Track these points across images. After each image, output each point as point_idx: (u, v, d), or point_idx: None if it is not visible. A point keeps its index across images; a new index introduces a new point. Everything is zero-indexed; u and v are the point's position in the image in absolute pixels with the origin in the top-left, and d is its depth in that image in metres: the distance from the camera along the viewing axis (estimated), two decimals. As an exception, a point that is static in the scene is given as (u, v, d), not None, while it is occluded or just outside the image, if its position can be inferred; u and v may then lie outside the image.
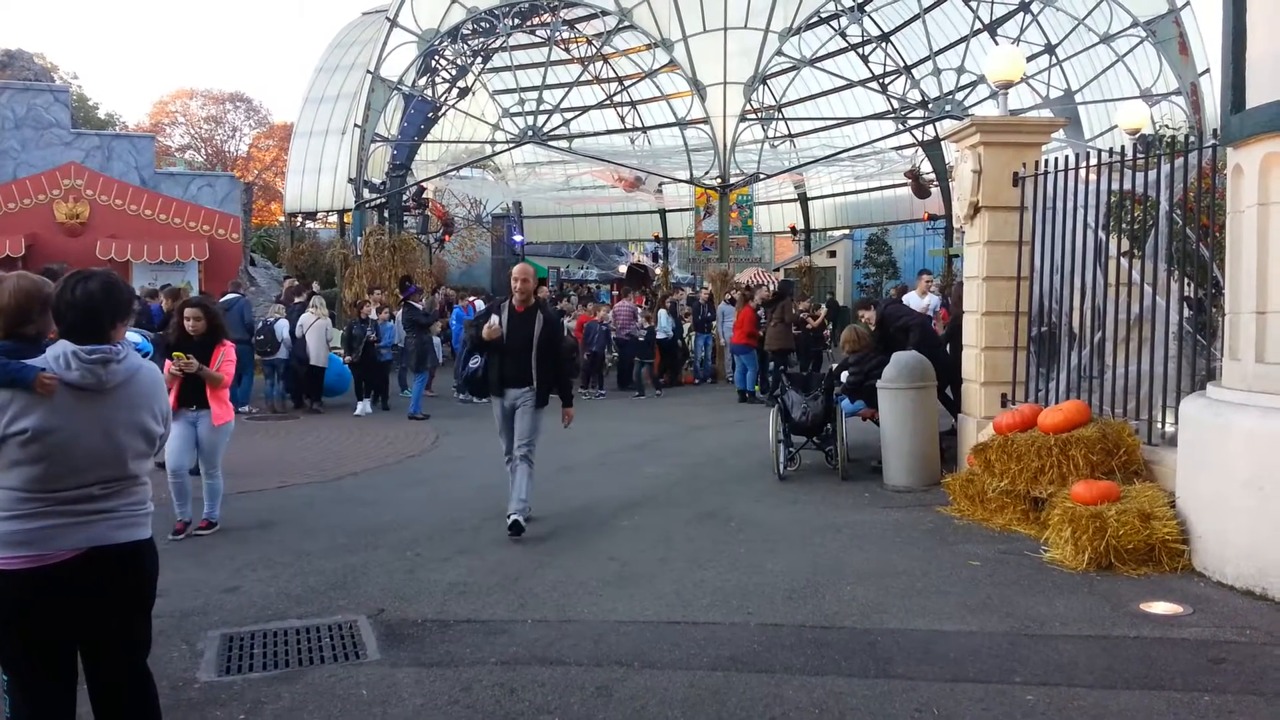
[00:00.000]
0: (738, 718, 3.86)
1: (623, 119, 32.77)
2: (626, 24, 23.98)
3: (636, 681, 4.21)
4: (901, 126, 26.20)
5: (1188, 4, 19.86)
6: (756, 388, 15.54)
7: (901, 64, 26.82)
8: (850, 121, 28.89)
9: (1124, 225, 7.50)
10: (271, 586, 5.67)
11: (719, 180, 23.93)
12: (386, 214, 25.50)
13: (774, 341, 15.08)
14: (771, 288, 19.62)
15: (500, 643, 4.71)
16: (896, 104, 25.95)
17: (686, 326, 19.34)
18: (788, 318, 15.37)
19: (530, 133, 23.30)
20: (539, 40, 27.49)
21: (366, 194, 24.39)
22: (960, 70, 21.69)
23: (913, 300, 13.81)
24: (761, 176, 26.97)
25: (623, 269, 36.09)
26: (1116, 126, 14.22)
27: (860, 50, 27.38)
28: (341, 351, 14.80)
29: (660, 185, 31.07)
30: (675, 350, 18.63)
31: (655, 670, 4.33)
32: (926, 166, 27.80)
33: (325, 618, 5.10)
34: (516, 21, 24.69)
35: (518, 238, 32.89)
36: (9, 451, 2.75)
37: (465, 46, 25.84)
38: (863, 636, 4.74)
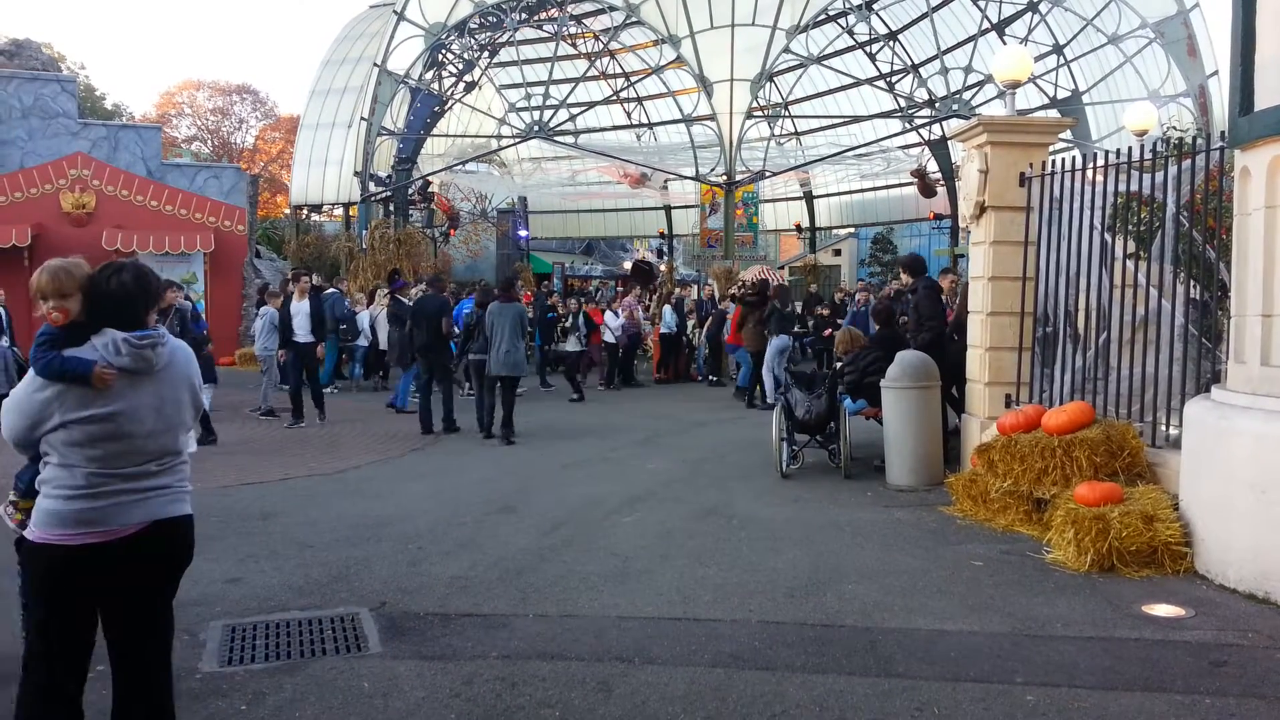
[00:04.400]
0: (738, 715, 3.86)
1: (629, 115, 32.75)
2: (634, 20, 23.97)
3: (637, 677, 4.22)
4: (908, 125, 26.17)
5: (1197, 5, 19.80)
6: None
7: (909, 63, 26.78)
8: (857, 120, 28.85)
9: (1130, 227, 7.48)
10: (274, 578, 5.68)
11: (725, 177, 23.92)
12: (392, 207, 25.53)
13: (753, 342, 14.98)
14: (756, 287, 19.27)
15: (501, 637, 4.71)
16: (903, 103, 25.91)
17: (690, 323, 19.33)
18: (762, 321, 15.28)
19: (536, 128, 23.30)
20: (546, 35, 27.48)
21: (372, 187, 24.41)
22: (968, 69, 21.65)
23: None
24: (767, 174, 26.93)
25: (627, 265, 36.09)
26: (1124, 128, 14.18)
27: (868, 49, 27.33)
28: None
29: (666, 182, 31.03)
30: (679, 346, 18.62)
31: (656, 666, 4.34)
32: (933, 166, 27.76)
33: (327, 610, 5.10)
34: (524, 16, 24.66)
35: (523, 233, 32.88)
36: (71, 434, 2.89)
37: (472, 41, 25.84)
38: (864, 635, 4.74)
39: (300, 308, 12.40)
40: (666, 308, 18.52)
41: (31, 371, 2.93)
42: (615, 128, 32.81)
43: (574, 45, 28.44)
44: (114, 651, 3.06)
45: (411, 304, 13.28)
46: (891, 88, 26.74)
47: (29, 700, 2.96)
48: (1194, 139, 6.67)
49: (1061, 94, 23.45)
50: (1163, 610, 5.05)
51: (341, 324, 15.95)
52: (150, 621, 3.09)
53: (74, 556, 2.89)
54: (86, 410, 2.89)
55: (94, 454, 2.91)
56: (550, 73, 23.95)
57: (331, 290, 16.78)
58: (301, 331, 12.25)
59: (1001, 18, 23.29)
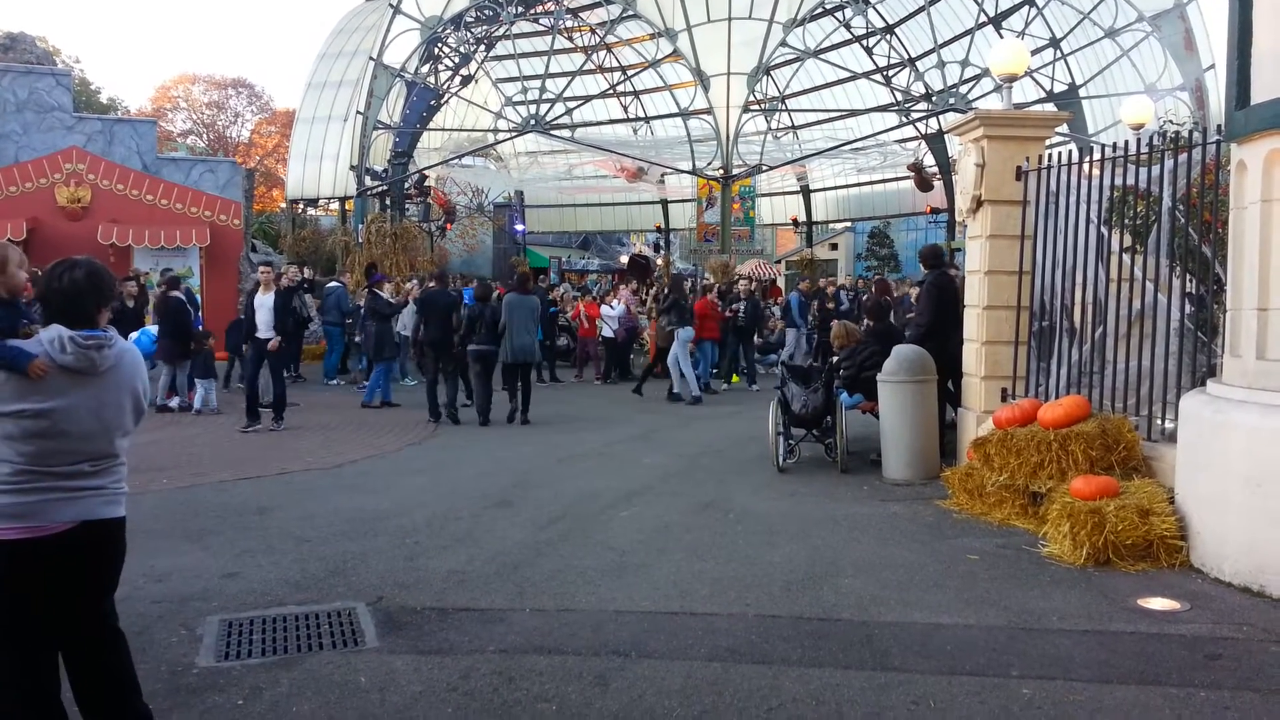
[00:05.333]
0: (734, 708, 3.86)
1: (625, 109, 32.74)
2: (630, 13, 23.94)
3: (634, 671, 4.22)
4: (905, 119, 26.16)
5: (1193, -1, 19.82)
6: (729, 376, 15.53)
7: (906, 56, 26.78)
8: (854, 114, 28.83)
9: (1126, 221, 7.49)
10: (271, 573, 5.68)
11: (721, 171, 23.92)
12: (388, 201, 25.50)
13: (661, 338, 15.03)
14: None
15: (498, 631, 4.71)
16: (900, 96, 25.90)
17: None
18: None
19: (533, 121, 23.27)
20: (542, 28, 27.44)
21: (368, 181, 24.38)
22: (964, 63, 21.65)
23: None
24: (764, 168, 26.91)
25: (624, 260, 36.08)
26: (1120, 121, 14.18)
27: (864, 42, 27.34)
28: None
29: (662, 176, 31.04)
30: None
31: (653, 660, 4.34)
32: (929, 160, 27.78)
33: (324, 604, 5.10)
34: (520, 9, 24.63)
35: (519, 227, 32.89)
36: (4, 426, 2.89)
37: (468, 34, 25.80)
38: (860, 629, 4.75)
39: (264, 301, 11.46)
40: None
41: None
42: (612, 121, 32.80)
43: (570, 39, 28.43)
44: (63, 651, 3.07)
45: (419, 299, 13.31)
46: (888, 81, 26.74)
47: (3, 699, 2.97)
48: (1190, 132, 6.67)
49: (1058, 88, 23.46)
50: (1158, 604, 5.06)
51: (347, 318, 16.16)
52: (87, 621, 3.09)
53: (7, 550, 2.89)
54: (21, 404, 2.89)
55: (26, 449, 2.90)
56: (546, 66, 23.91)
57: (336, 284, 16.88)
58: (264, 327, 11.36)
59: (998, 11, 23.29)
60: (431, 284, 14.17)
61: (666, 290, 14.58)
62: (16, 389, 2.88)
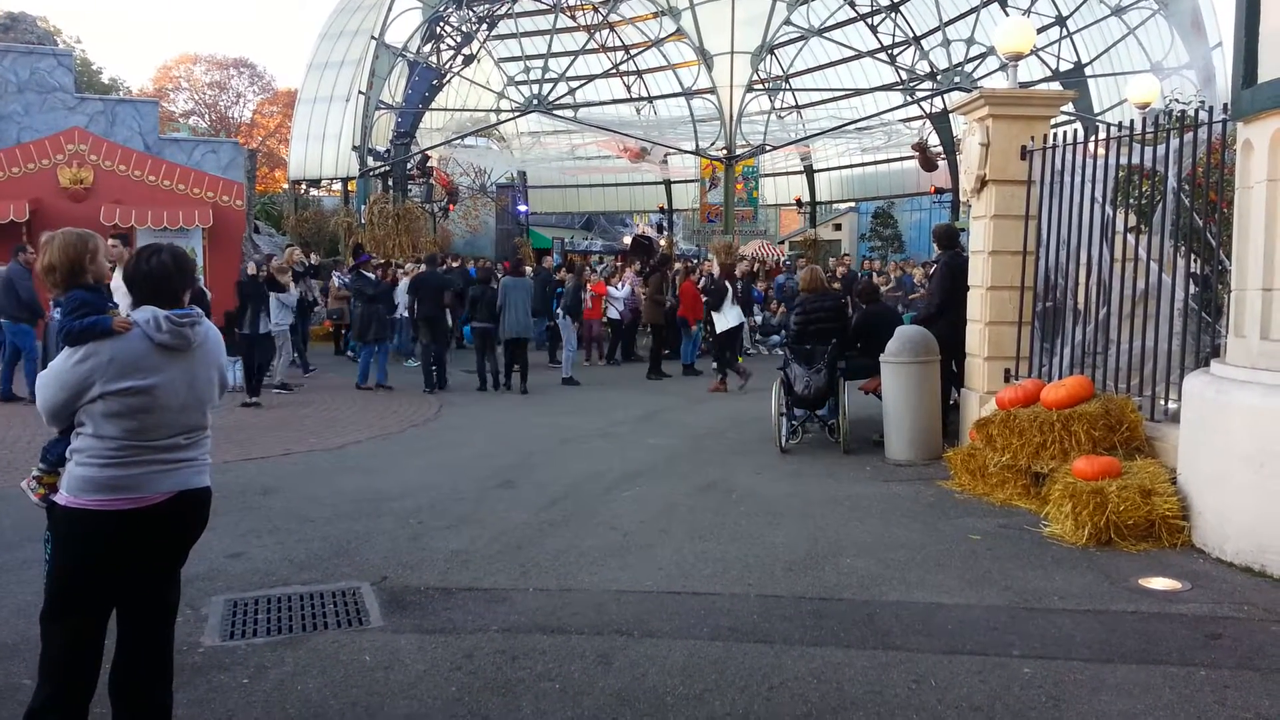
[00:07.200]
0: (737, 686, 3.89)
1: (628, 88, 32.57)
2: (633, -9, 23.76)
3: (637, 650, 4.24)
4: (909, 98, 26.03)
5: (1201, -24, 19.65)
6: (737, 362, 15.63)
7: (910, 35, 26.60)
8: (858, 93, 28.68)
9: (1131, 200, 7.45)
10: (275, 553, 5.71)
11: (725, 151, 23.83)
12: (391, 182, 25.43)
13: (646, 315, 15.43)
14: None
15: (502, 611, 4.74)
16: (905, 75, 25.76)
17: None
18: (662, 292, 15.84)
19: (535, 101, 23.18)
20: (545, 7, 27.28)
21: (370, 162, 24.30)
22: (970, 41, 21.54)
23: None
24: (767, 148, 26.82)
25: (627, 240, 36.00)
26: (1126, 100, 14.10)
27: (869, 20, 27.14)
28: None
29: (665, 156, 30.92)
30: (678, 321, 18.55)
31: (655, 639, 4.36)
32: (934, 139, 27.65)
33: (329, 584, 5.13)
34: (522, -12, 24.47)
35: (522, 208, 32.78)
36: (109, 405, 3.01)
37: (470, 13, 25.66)
38: (862, 608, 4.77)
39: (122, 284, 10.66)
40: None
41: (64, 345, 3.05)
42: (615, 101, 32.64)
43: (573, 17, 28.23)
44: (124, 611, 3.16)
45: (413, 281, 14.46)
46: (893, 60, 26.58)
47: (52, 656, 3.05)
48: (1196, 112, 6.62)
49: (1064, 66, 23.31)
50: (1159, 583, 5.07)
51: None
52: (162, 587, 3.22)
53: (104, 520, 3.01)
54: (126, 382, 3.00)
55: (130, 425, 3.03)
56: (549, 45, 23.81)
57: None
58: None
59: (1004, -11, 23.11)
60: (423, 266, 14.90)
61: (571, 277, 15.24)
62: (120, 368, 3.00)
